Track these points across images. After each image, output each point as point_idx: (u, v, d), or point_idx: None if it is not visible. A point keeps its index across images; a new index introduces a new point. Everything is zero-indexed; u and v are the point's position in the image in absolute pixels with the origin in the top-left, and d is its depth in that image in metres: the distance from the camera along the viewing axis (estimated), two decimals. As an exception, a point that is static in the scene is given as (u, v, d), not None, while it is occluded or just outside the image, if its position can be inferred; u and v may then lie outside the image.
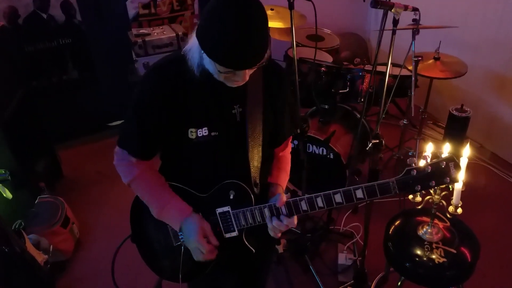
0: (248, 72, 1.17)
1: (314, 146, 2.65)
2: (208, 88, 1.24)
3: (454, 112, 2.87)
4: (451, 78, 2.79)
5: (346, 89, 2.69)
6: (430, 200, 1.72)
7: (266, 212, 1.30)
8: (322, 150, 2.63)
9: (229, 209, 1.33)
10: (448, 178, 1.17)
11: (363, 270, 2.24)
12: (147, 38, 3.30)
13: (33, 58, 3.37)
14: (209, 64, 1.15)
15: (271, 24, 2.96)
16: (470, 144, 1.82)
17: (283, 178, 1.47)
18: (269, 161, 1.46)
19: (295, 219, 1.29)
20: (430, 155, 1.52)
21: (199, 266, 1.42)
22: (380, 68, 2.30)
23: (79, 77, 3.62)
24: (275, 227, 1.30)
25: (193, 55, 1.17)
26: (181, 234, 1.40)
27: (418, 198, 1.69)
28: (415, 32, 2.00)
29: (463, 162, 1.59)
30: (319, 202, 1.25)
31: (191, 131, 1.27)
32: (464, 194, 1.62)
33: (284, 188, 1.45)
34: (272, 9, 3.11)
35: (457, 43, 3.31)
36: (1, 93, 2.65)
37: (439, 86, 3.65)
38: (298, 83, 2.11)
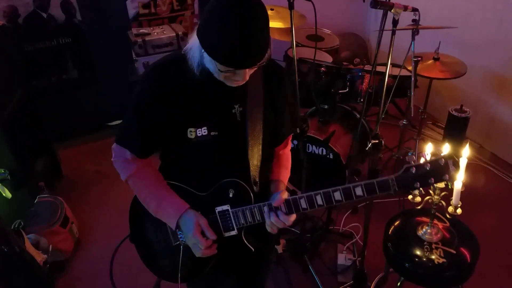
0: (249, 72, 1.17)
1: (313, 146, 2.64)
2: (208, 87, 1.24)
3: (454, 113, 2.86)
4: (451, 78, 2.79)
5: (346, 89, 2.69)
6: (429, 201, 1.72)
7: (266, 210, 1.30)
8: (322, 150, 2.63)
9: (229, 208, 1.34)
10: (447, 176, 1.17)
11: (363, 270, 2.24)
12: (147, 38, 3.30)
13: (33, 57, 3.36)
14: (210, 63, 1.15)
15: (271, 24, 2.95)
16: (469, 144, 1.82)
17: (285, 175, 1.48)
18: (269, 160, 1.46)
19: (291, 218, 1.29)
20: (429, 155, 1.52)
21: (198, 265, 1.42)
22: (379, 68, 2.30)
23: (79, 76, 3.62)
24: (272, 223, 1.30)
25: (194, 54, 1.17)
26: (180, 233, 1.40)
27: (418, 199, 1.69)
28: (415, 32, 2.00)
29: (463, 162, 1.59)
30: (319, 200, 1.25)
31: (190, 131, 1.27)
32: (463, 194, 1.61)
33: (285, 184, 1.45)
34: (272, 9, 3.11)
35: (456, 43, 3.31)
36: (1, 93, 2.65)
37: (439, 86, 3.65)
38: (297, 83, 2.11)
